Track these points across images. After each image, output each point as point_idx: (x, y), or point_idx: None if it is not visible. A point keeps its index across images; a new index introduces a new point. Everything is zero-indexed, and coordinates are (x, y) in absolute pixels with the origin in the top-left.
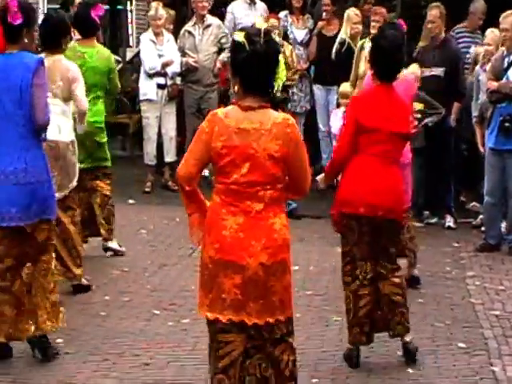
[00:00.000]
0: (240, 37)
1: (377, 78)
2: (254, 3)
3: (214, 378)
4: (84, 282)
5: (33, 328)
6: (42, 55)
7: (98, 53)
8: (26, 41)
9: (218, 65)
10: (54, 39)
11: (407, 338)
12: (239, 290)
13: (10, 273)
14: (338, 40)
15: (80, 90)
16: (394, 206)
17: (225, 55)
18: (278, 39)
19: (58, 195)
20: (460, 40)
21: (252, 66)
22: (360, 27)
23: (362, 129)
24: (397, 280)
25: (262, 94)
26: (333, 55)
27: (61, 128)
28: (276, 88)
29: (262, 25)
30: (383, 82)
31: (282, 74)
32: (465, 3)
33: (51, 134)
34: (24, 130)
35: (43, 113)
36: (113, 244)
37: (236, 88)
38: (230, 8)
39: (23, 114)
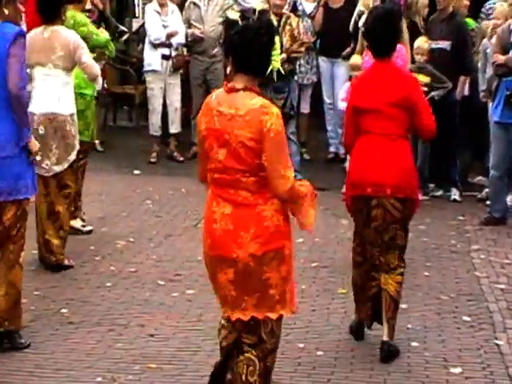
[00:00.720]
0: (235, 15)
1: (372, 55)
2: None
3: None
4: (66, 262)
5: None
6: (23, 27)
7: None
8: (6, 12)
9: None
10: (51, 10)
11: (386, 338)
12: (233, 286)
13: None
14: (356, 12)
15: (86, 56)
16: (401, 183)
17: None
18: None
19: (56, 168)
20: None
21: (243, 42)
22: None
23: (359, 111)
24: (399, 278)
25: (253, 75)
26: (350, 27)
27: (60, 99)
28: (269, 71)
29: (259, 6)
30: (378, 58)
31: (277, 58)
32: None
33: (50, 105)
34: None
35: (15, 83)
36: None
37: (229, 69)
38: None
39: None
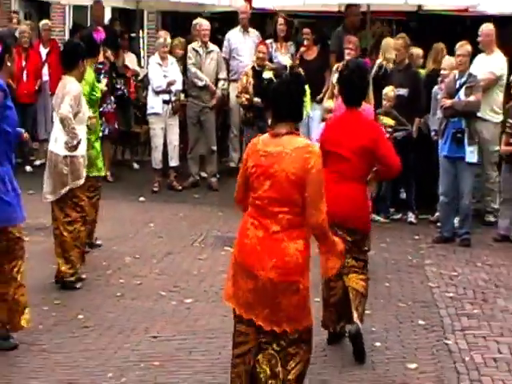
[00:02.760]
0: (269, 74)
1: (343, 104)
2: (248, 31)
3: (233, 360)
4: (68, 279)
5: None
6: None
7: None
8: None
9: (218, 92)
10: (69, 62)
11: (355, 319)
12: (251, 295)
13: None
14: (377, 64)
15: (65, 104)
16: (349, 215)
17: (220, 85)
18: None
19: (49, 197)
20: None
21: (280, 95)
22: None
23: (325, 151)
24: (364, 278)
25: (292, 121)
26: (370, 78)
27: (57, 140)
28: (305, 115)
29: (287, 62)
30: (348, 107)
31: (308, 104)
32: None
33: (50, 144)
34: None
35: None
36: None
37: (270, 120)
38: (227, 36)
39: None
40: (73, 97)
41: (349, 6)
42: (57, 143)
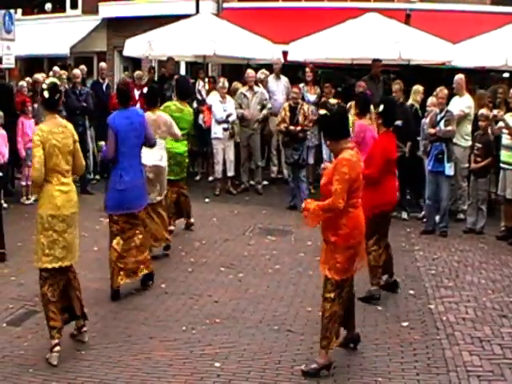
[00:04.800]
0: (323, 111)
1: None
2: (280, 78)
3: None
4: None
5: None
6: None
7: (188, 111)
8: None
9: (261, 116)
10: (153, 101)
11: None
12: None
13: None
14: (408, 104)
15: (176, 127)
16: None
17: (265, 111)
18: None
19: (158, 198)
20: None
21: (333, 123)
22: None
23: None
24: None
25: (347, 138)
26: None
27: (162, 157)
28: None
29: (333, 101)
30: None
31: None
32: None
33: (155, 161)
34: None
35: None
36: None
37: (328, 143)
38: (267, 80)
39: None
40: (175, 125)
41: (375, 60)
42: (162, 160)
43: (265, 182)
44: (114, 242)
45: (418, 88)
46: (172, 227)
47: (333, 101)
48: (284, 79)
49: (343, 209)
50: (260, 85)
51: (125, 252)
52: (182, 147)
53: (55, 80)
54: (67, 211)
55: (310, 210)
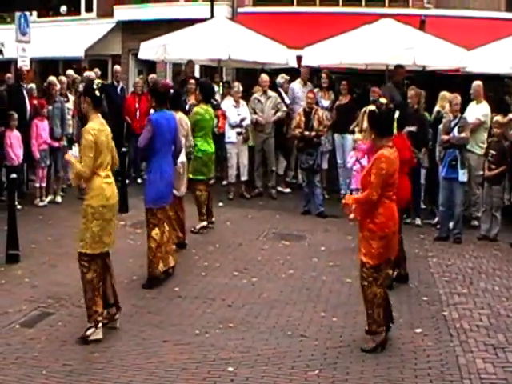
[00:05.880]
0: (373, 107)
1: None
2: (306, 84)
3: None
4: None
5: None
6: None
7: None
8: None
9: (274, 118)
10: (178, 104)
11: None
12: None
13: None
14: (435, 110)
15: (190, 135)
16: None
17: (279, 114)
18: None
19: (183, 191)
20: None
21: (381, 120)
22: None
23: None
24: None
25: (390, 136)
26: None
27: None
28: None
29: (383, 100)
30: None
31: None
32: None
33: (183, 157)
34: None
35: None
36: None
37: (372, 136)
38: (291, 86)
39: None
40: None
41: (398, 67)
42: (184, 157)
43: (287, 190)
44: (153, 232)
45: (445, 94)
46: (204, 223)
47: (383, 100)
48: (310, 85)
49: (380, 200)
50: (281, 89)
51: (162, 242)
52: (211, 148)
53: (100, 80)
54: (113, 201)
55: (349, 203)
